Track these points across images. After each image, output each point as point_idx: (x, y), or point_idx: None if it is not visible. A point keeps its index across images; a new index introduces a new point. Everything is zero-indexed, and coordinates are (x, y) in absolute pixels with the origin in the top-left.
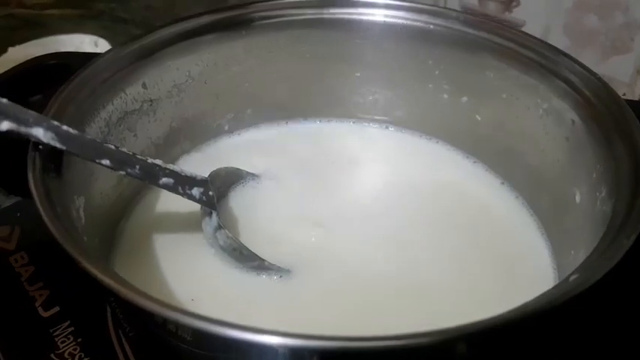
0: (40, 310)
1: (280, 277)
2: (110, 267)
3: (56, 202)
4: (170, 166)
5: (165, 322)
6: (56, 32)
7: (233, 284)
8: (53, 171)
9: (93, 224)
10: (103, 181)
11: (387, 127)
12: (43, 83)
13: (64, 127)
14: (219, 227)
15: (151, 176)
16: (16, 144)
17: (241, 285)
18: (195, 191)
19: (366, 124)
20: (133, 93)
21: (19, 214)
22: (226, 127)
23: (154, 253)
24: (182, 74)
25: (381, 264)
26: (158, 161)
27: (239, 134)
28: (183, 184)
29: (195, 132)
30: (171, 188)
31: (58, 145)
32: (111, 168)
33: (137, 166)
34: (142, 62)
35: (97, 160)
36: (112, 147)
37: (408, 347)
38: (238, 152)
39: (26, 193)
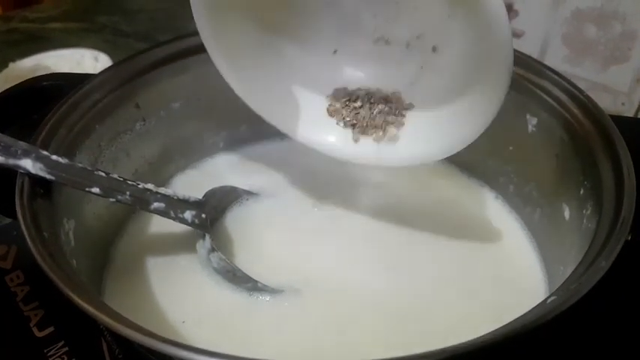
0: (35, 330)
1: (274, 298)
2: (92, 289)
3: (43, 226)
4: (162, 190)
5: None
6: (58, 46)
7: (225, 306)
8: (42, 195)
9: (84, 246)
10: (96, 203)
11: None
12: (39, 104)
13: (53, 157)
14: (213, 249)
15: (142, 202)
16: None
17: (234, 307)
18: (188, 214)
19: None
20: (125, 114)
21: (15, 233)
22: (221, 145)
23: (147, 273)
24: (175, 93)
25: (377, 284)
26: (150, 185)
27: (235, 151)
28: (175, 208)
29: (190, 150)
30: (163, 213)
31: (46, 176)
32: (101, 195)
33: (127, 193)
34: (134, 83)
35: (87, 189)
36: (103, 174)
37: None
38: (235, 169)
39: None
